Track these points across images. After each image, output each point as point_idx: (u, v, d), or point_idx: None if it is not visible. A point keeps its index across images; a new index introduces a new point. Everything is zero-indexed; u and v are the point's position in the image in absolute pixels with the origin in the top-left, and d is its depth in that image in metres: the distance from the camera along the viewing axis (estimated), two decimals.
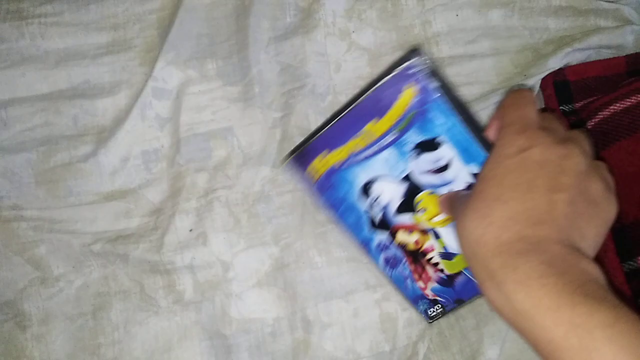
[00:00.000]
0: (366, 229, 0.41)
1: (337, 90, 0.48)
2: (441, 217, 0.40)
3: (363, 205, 0.41)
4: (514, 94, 0.34)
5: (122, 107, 0.47)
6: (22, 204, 0.45)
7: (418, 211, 0.40)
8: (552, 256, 0.27)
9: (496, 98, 0.47)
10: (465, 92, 0.48)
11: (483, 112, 0.47)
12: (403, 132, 0.38)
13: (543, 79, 0.48)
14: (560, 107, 0.48)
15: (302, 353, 0.45)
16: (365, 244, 0.42)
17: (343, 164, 0.40)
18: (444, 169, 0.38)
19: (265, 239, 0.46)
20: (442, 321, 0.46)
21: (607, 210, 0.31)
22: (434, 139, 0.38)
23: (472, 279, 0.40)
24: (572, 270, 0.26)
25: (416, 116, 0.37)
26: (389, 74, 0.37)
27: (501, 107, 0.34)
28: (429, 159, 0.38)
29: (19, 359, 0.43)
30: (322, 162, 0.40)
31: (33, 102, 0.46)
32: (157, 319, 0.44)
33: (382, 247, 0.42)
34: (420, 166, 0.39)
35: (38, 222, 0.45)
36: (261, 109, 0.47)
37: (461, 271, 0.41)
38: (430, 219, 0.40)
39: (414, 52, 0.36)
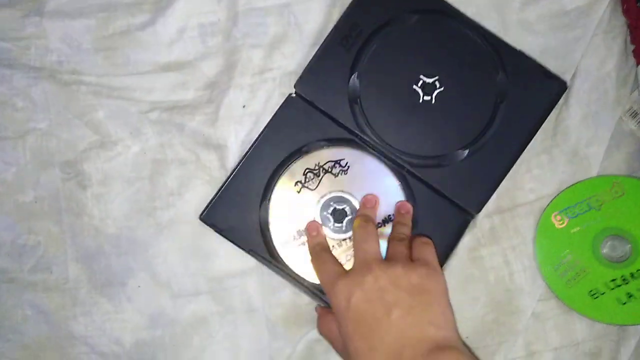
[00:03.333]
0: None
1: None
2: None
3: None
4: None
5: None
6: (81, 69, 0.46)
7: None
8: None
9: None
10: None
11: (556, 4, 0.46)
12: None
13: None
14: (638, 4, 0.45)
15: None
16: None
17: None
18: None
19: None
20: (496, 217, 0.46)
21: (436, 287, 0.38)
22: None
23: None
24: None
25: None
26: None
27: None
28: None
29: (80, 215, 0.45)
30: None
31: None
32: (210, 188, 0.46)
33: None
34: None
35: (97, 88, 0.46)
36: None
37: None
38: None
39: None
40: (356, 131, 0.44)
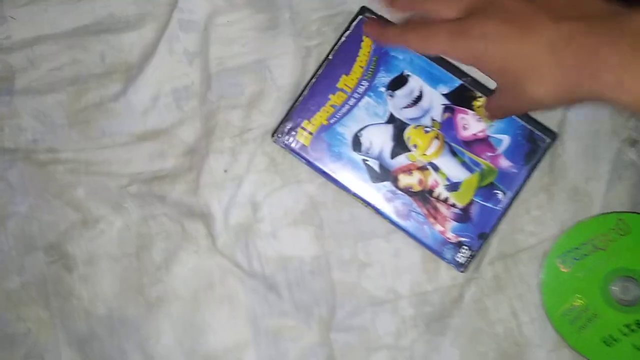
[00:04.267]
0: (369, 182, 0.43)
1: None
2: (433, 148, 0.42)
3: (359, 158, 0.43)
4: None
5: (148, 41, 0.44)
6: (56, 146, 0.45)
7: (411, 150, 0.42)
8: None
9: None
10: None
11: None
12: (372, 78, 0.43)
13: None
14: None
15: (342, 291, 0.44)
16: (372, 198, 0.43)
17: (330, 119, 0.43)
18: (418, 99, 0.43)
19: (301, 177, 0.44)
20: (499, 264, 0.44)
21: None
22: (401, 74, 0.43)
23: (485, 204, 0.42)
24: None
25: (379, 60, 0.43)
26: (345, 32, 0.43)
27: None
28: (403, 94, 0.43)
29: (69, 298, 0.44)
30: (310, 125, 0.43)
31: (58, 39, 0.45)
32: (198, 258, 0.44)
33: (389, 198, 0.42)
34: (398, 103, 0.43)
35: (74, 165, 0.44)
36: (293, 37, 0.44)
37: (472, 199, 0.43)
38: (424, 153, 0.43)
39: (363, 8, 0.43)
40: None
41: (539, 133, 0.43)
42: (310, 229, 0.44)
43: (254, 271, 0.44)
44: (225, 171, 0.44)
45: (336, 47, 0.43)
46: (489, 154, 0.43)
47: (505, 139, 0.43)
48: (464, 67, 0.43)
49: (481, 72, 0.35)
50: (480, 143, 0.43)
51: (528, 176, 0.43)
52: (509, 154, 0.43)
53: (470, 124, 0.43)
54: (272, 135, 0.43)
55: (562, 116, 0.44)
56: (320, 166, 0.43)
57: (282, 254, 0.44)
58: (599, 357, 0.42)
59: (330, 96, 0.43)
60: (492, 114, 0.41)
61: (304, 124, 0.43)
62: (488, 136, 0.43)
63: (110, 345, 0.44)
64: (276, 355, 0.44)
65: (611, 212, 0.43)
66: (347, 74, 0.43)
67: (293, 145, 0.43)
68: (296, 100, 0.43)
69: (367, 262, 0.44)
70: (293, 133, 0.43)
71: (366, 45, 0.43)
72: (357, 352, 0.44)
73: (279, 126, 0.43)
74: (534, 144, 0.43)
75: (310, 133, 0.43)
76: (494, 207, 0.43)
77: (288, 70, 0.44)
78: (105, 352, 0.44)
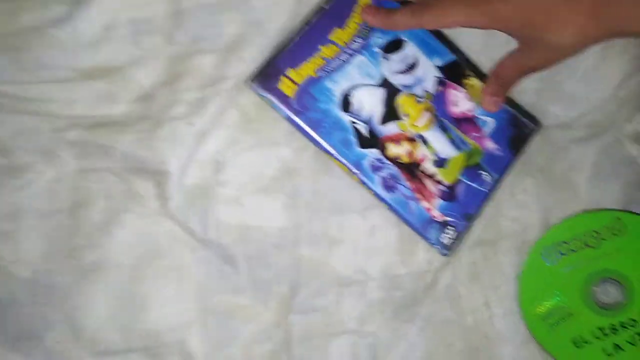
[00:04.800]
0: (355, 147, 0.39)
1: None
2: (424, 120, 0.40)
3: (347, 118, 0.39)
4: None
5: None
6: None
7: (401, 118, 0.40)
8: None
9: None
10: None
11: None
12: (368, 37, 0.40)
13: None
14: None
15: (308, 269, 0.40)
16: (358, 166, 0.40)
17: (320, 72, 0.39)
18: (413, 66, 0.40)
19: (277, 138, 0.40)
20: (477, 250, 0.41)
21: None
22: (397, 38, 0.40)
23: (471, 184, 0.40)
24: None
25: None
26: None
27: None
28: (397, 59, 0.40)
29: None
30: (295, 75, 0.39)
31: None
32: (145, 222, 0.38)
33: (376, 167, 0.40)
34: (392, 67, 0.40)
35: (2, 100, 0.37)
36: None
37: (459, 178, 0.41)
38: (414, 123, 0.40)
39: None
40: None
41: (524, 119, 0.42)
42: (280, 198, 0.40)
43: (209, 240, 0.39)
44: (191, 124, 0.38)
45: (328, 8, 0.39)
46: (475, 134, 0.41)
47: (491, 122, 0.41)
48: (460, 44, 0.42)
49: (503, 32, 0.34)
50: (468, 122, 0.41)
51: (512, 160, 0.41)
52: (494, 136, 0.41)
53: (460, 101, 0.41)
54: (251, 81, 0.38)
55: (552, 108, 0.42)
56: (303, 123, 0.38)
57: (244, 222, 0.40)
58: (565, 356, 0.41)
59: (321, 47, 0.39)
60: (504, 80, 0.38)
61: (289, 72, 0.38)
62: (475, 116, 0.41)
63: (31, 313, 0.38)
64: (223, 337, 0.39)
65: (609, 210, 0.42)
66: (341, 27, 0.39)
67: (273, 94, 0.38)
68: (283, 45, 0.38)
69: (338, 239, 0.41)
70: (275, 80, 0.38)
71: (363, 2, 0.39)
72: (316, 336, 0.41)
73: (259, 70, 0.38)
74: (519, 129, 0.42)
75: (296, 84, 0.38)
76: (480, 187, 0.41)
77: (277, 12, 0.39)
78: (27, 319, 0.37)
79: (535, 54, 0.36)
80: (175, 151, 0.39)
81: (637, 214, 0.41)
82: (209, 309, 0.39)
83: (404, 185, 0.40)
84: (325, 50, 0.39)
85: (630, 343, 0.40)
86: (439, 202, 0.40)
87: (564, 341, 0.41)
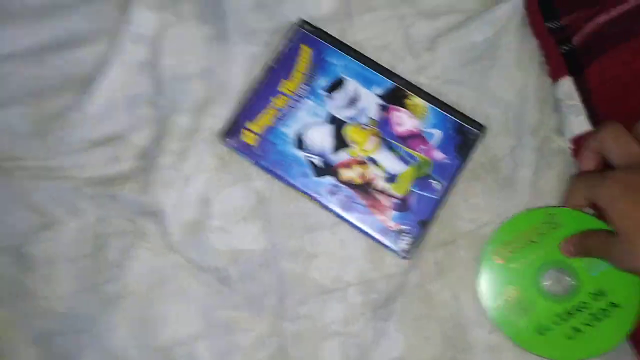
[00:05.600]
0: (312, 177, 0.46)
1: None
2: (371, 144, 0.46)
3: (302, 154, 0.46)
4: (611, 129, 0.41)
5: (102, 54, 0.47)
6: (20, 155, 0.47)
7: (350, 146, 0.46)
8: None
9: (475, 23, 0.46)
10: (447, 21, 0.48)
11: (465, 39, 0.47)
12: (311, 82, 0.46)
13: None
14: (546, 24, 0.46)
15: (291, 282, 0.46)
16: (317, 192, 0.45)
17: (275, 120, 0.46)
18: (354, 100, 0.46)
19: (249, 174, 0.47)
20: (440, 250, 0.46)
21: None
22: (337, 78, 0.47)
23: (422, 193, 0.45)
24: None
25: (317, 66, 0.47)
26: (285, 41, 0.47)
27: (598, 140, 0.42)
28: (340, 97, 0.46)
29: (29, 299, 0.46)
30: (255, 126, 0.46)
31: (21, 56, 0.48)
32: (153, 255, 0.46)
33: (332, 192, 0.45)
34: (336, 104, 0.46)
35: (35, 171, 0.47)
36: (239, 46, 0.48)
37: (410, 189, 0.45)
38: (363, 148, 0.46)
39: (302, 20, 0.48)
40: None
41: (468, 126, 0.46)
42: (259, 223, 0.47)
43: (207, 265, 0.46)
44: (175, 170, 0.47)
45: (277, 55, 0.47)
46: (423, 147, 0.46)
47: (437, 133, 0.46)
48: (397, 70, 0.47)
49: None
50: (415, 138, 0.46)
51: (460, 166, 0.46)
52: (442, 146, 0.46)
53: (404, 120, 0.46)
54: (221, 138, 0.46)
55: (488, 113, 0.47)
56: (266, 165, 0.46)
57: (233, 247, 0.46)
58: (533, 345, 0.44)
59: (272, 99, 0.46)
60: (586, 250, 0.43)
61: (249, 125, 0.46)
62: (421, 131, 0.46)
63: (68, 342, 0.45)
64: (228, 346, 0.45)
65: (540, 207, 0.46)
66: (287, 78, 0.46)
67: (239, 145, 0.46)
68: (242, 102, 0.46)
69: (314, 253, 0.46)
70: (238, 134, 0.46)
71: (304, 53, 0.47)
72: (308, 340, 0.46)
73: (226, 129, 0.46)
74: (464, 136, 0.46)
75: (256, 134, 0.46)
76: (431, 195, 0.45)
77: (235, 77, 0.48)
78: (64, 348, 0.45)
79: (620, 252, 0.38)
80: (169, 194, 0.46)
81: (564, 207, 0.45)
82: (212, 323, 0.46)
83: (359, 204, 0.45)
84: (277, 101, 0.46)
85: (587, 324, 0.43)
86: (393, 213, 0.45)
87: (529, 331, 0.44)
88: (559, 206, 0.45)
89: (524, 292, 0.44)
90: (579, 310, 0.43)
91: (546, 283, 0.44)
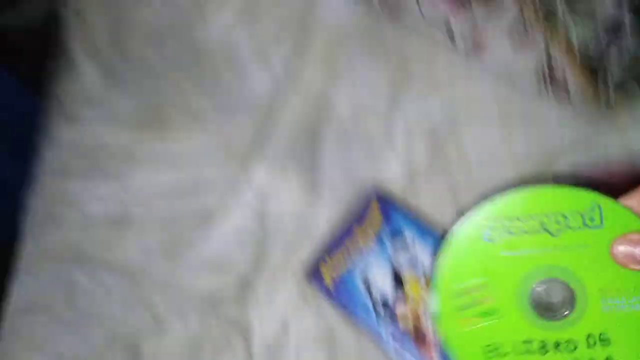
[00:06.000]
0: (375, 319, 0.52)
1: None
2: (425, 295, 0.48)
3: (368, 299, 0.53)
4: None
5: (223, 199, 0.62)
6: (149, 269, 0.61)
7: (409, 296, 0.51)
8: None
9: None
10: None
11: None
12: (380, 234, 0.54)
13: None
14: None
15: None
16: (378, 335, 0.52)
17: (347, 266, 0.55)
18: (412, 251, 0.52)
19: (324, 308, 0.57)
20: None
21: None
22: (399, 229, 0.52)
23: None
24: None
25: (385, 221, 0.54)
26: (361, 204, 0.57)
27: None
28: (400, 245, 0.53)
29: None
30: (331, 269, 0.55)
31: (162, 193, 0.64)
32: None
33: (393, 336, 0.52)
34: (397, 253, 0.53)
35: (159, 281, 0.60)
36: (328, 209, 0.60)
37: None
38: (419, 300, 0.48)
39: (374, 187, 0.57)
40: None
41: None
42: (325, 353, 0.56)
43: None
44: (267, 295, 0.58)
45: (354, 207, 0.57)
46: None
47: None
48: None
49: None
50: None
51: None
52: None
53: None
54: (305, 275, 0.57)
55: None
56: (338, 304, 0.56)
57: None
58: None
59: (347, 244, 0.56)
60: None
61: (326, 267, 0.57)
62: None
63: None
64: None
65: (590, 191, 0.31)
66: (360, 225, 0.56)
67: (317, 284, 0.57)
68: (322, 248, 0.58)
69: None
70: (318, 274, 0.57)
71: (375, 206, 0.56)
72: None
73: (307, 269, 0.57)
74: None
75: (331, 276, 0.56)
76: None
77: (322, 230, 0.60)
78: None
79: None
80: (258, 314, 0.58)
81: (617, 202, 0.31)
82: None
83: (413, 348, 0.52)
84: (350, 247, 0.56)
85: None
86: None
87: (474, 345, 0.31)
88: (611, 199, 0.31)
89: (499, 291, 0.31)
90: (558, 350, 0.30)
91: (535, 293, 0.31)
